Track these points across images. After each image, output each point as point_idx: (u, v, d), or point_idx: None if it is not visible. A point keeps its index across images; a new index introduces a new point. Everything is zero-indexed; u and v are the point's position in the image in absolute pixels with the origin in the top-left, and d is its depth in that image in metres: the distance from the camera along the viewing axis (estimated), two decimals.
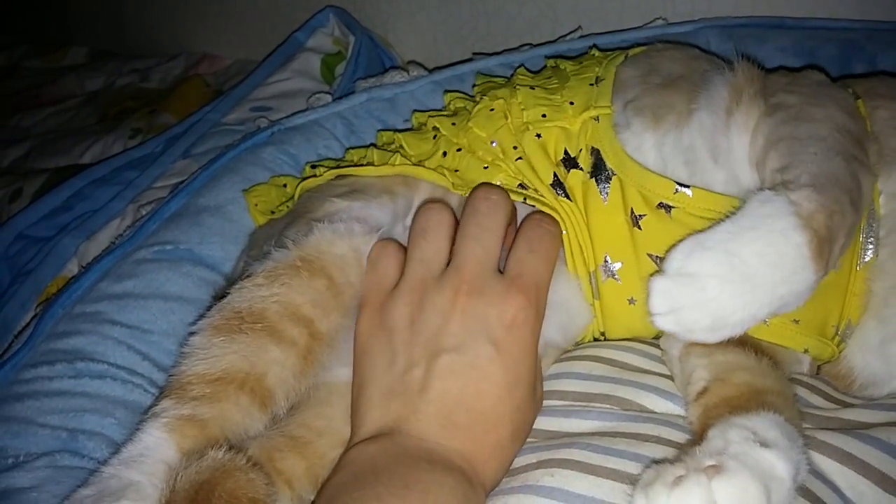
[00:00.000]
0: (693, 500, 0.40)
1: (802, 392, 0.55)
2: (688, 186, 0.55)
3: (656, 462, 0.46)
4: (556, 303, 0.58)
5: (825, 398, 0.54)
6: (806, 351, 0.55)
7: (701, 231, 0.48)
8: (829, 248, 0.46)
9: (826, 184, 0.47)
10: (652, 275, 0.47)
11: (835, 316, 0.54)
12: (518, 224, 0.59)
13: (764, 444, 0.42)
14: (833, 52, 0.81)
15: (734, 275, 0.45)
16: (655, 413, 0.53)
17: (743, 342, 0.49)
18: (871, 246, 0.54)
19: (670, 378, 0.56)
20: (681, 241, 0.48)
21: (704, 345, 0.53)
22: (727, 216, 0.48)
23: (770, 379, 0.50)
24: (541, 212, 0.58)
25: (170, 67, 1.44)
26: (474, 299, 0.52)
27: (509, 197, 0.58)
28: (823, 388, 0.56)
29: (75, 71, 1.55)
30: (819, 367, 0.58)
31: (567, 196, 0.59)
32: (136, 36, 1.61)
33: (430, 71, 0.96)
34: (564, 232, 0.58)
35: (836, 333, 0.55)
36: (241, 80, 1.10)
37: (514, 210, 0.58)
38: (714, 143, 0.56)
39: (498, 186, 0.59)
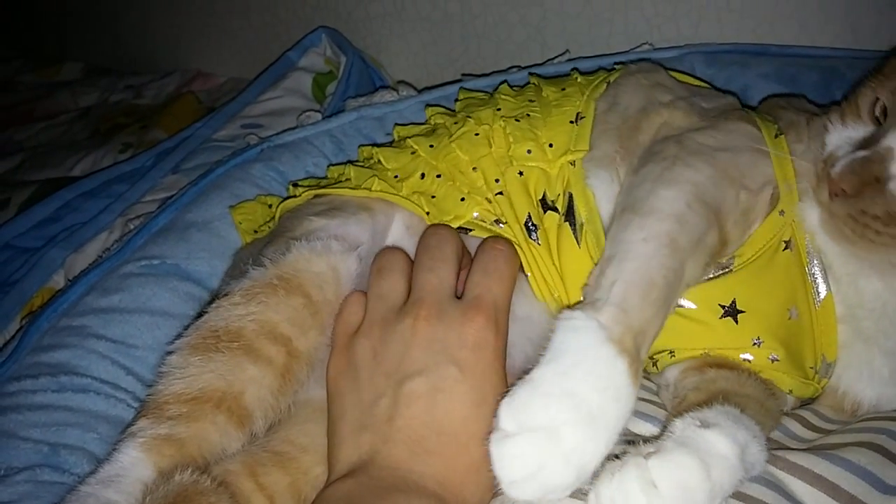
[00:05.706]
0: (631, 478, 0.40)
1: (783, 420, 0.55)
2: None
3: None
4: (522, 317, 0.58)
5: (804, 425, 0.55)
6: (790, 392, 0.55)
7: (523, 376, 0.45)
8: (639, 362, 0.46)
9: (632, 297, 0.47)
10: (487, 440, 0.44)
11: (810, 359, 0.55)
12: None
13: (705, 425, 0.42)
14: (815, 79, 0.82)
15: (580, 415, 0.42)
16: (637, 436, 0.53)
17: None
18: (821, 283, 0.54)
19: (650, 401, 0.56)
20: (504, 394, 0.45)
21: (696, 366, 0.54)
22: (541, 354, 0.46)
23: (747, 387, 0.51)
24: (495, 237, 0.59)
25: (163, 84, 1.45)
26: (434, 324, 0.52)
27: (456, 231, 0.59)
28: (804, 414, 0.56)
29: (70, 86, 1.55)
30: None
31: (537, 239, 0.60)
32: (132, 53, 1.62)
33: (420, 91, 0.97)
34: (529, 274, 0.59)
35: (816, 372, 0.55)
36: (233, 97, 1.11)
37: (462, 241, 0.60)
38: None
39: (444, 224, 0.61)
